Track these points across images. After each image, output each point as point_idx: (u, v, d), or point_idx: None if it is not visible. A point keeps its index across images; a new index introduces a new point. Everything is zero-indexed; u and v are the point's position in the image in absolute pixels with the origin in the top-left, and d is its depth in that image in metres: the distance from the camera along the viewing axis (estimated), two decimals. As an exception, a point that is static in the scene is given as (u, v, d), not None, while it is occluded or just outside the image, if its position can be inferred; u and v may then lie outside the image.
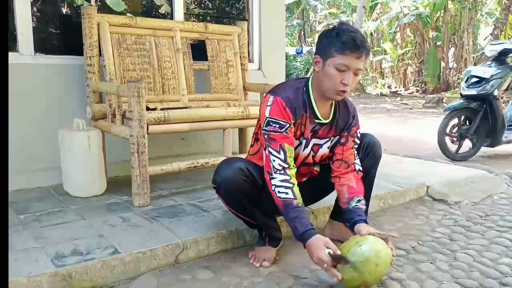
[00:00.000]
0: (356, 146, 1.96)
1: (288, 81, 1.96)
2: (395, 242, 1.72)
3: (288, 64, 16.93)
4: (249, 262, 1.93)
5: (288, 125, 1.77)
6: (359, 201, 1.84)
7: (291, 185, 1.74)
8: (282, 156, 1.75)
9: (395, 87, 17.24)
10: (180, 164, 2.52)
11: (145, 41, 2.88)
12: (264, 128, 1.78)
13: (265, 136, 1.78)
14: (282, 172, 1.75)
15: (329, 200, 2.20)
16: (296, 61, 18.06)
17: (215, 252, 2.01)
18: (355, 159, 1.94)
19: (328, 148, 1.94)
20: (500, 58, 4.36)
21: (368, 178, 2.02)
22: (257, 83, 3.35)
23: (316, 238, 1.66)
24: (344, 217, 1.87)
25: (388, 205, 2.65)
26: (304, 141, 1.88)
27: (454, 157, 4.27)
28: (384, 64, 17.96)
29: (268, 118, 1.77)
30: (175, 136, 3.23)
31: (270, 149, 1.77)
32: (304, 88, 1.83)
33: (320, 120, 1.86)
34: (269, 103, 1.78)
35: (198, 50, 3.18)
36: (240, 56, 3.33)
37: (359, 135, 1.97)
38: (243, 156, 2.15)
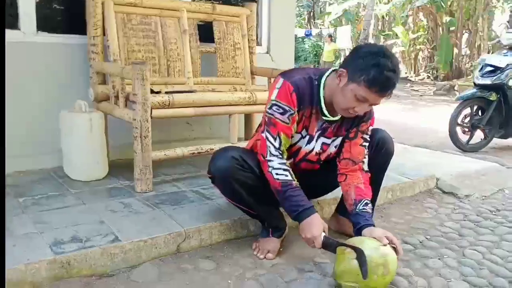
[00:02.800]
0: (366, 144, 1.85)
1: (304, 67, 1.89)
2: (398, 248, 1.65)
3: (296, 47, 16.68)
4: (252, 253, 1.89)
5: (291, 111, 1.70)
6: (366, 204, 1.76)
7: (288, 168, 1.72)
8: (277, 144, 1.72)
9: (406, 73, 16.99)
10: (184, 150, 2.47)
11: (150, 22, 2.79)
12: (267, 110, 1.73)
13: (266, 119, 1.73)
14: (280, 156, 1.72)
15: (336, 192, 2.14)
16: (305, 43, 17.82)
17: (218, 242, 1.96)
18: (364, 157, 1.84)
19: (335, 147, 1.86)
20: (516, 47, 4.22)
21: (377, 177, 1.93)
22: (265, 67, 3.26)
23: (318, 219, 1.67)
24: (350, 219, 1.81)
25: (397, 197, 2.58)
26: (307, 137, 1.80)
27: (465, 148, 4.18)
28: (395, 48, 17.64)
29: (273, 101, 1.71)
30: (180, 120, 3.15)
31: (268, 134, 1.72)
32: (316, 82, 1.74)
33: (327, 117, 1.77)
34: (278, 86, 1.71)
35: (205, 32, 3.08)
36: (248, 39, 3.23)
37: (369, 132, 1.86)
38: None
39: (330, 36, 16.25)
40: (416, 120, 6.69)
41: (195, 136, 3.26)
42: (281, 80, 1.71)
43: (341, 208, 2.09)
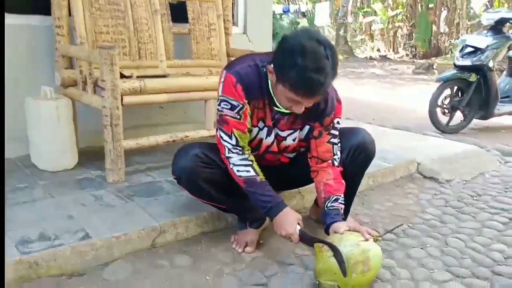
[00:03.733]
0: (334, 140, 1.70)
1: (247, 55, 1.69)
2: (373, 233, 1.57)
3: (274, 23, 16.44)
4: (231, 246, 1.82)
5: (240, 105, 1.57)
6: (336, 200, 1.65)
7: (250, 163, 1.62)
8: (233, 141, 1.62)
9: (385, 51, 16.98)
10: (157, 138, 2.35)
11: (119, 1, 2.60)
12: (217, 107, 1.62)
13: (218, 117, 1.62)
14: (239, 152, 1.62)
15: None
16: (283, 20, 17.55)
17: (195, 235, 1.89)
18: (333, 154, 1.71)
19: (294, 140, 1.73)
20: (496, 27, 4.19)
21: (355, 179, 1.83)
22: (242, 49, 3.12)
23: (290, 212, 1.59)
24: (322, 217, 1.71)
25: (378, 183, 2.54)
26: (265, 128, 1.68)
27: (445, 129, 4.17)
28: (374, 26, 17.58)
29: (220, 97, 1.59)
30: (153, 105, 3.02)
31: (221, 133, 1.62)
32: (264, 69, 1.57)
33: (279, 108, 1.62)
34: (222, 80, 1.59)
35: (178, 12, 2.92)
36: (223, 19, 3.08)
37: (336, 125, 1.70)
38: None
39: (303, 13, 16.04)
40: (395, 100, 6.68)
41: (169, 121, 3.14)
42: (224, 73, 1.59)
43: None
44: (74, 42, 2.46)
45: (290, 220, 1.57)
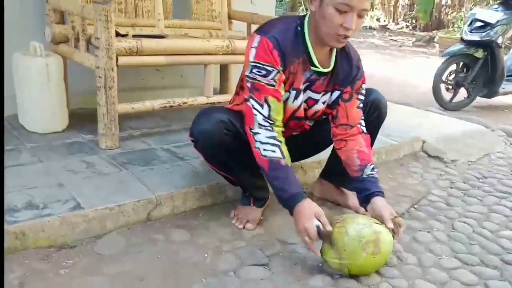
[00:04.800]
0: (361, 105, 1.66)
1: (280, 17, 1.61)
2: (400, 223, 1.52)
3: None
4: (230, 222, 1.73)
5: (275, 71, 1.46)
6: (373, 169, 1.60)
7: (278, 143, 1.48)
8: (265, 111, 1.47)
9: (384, 21, 16.63)
10: (154, 103, 2.21)
11: (116, -49, 2.41)
12: (247, 74, 1.48)
13: (248, 84, 1.49)
14: (269, 127, 1.48)
15: (320, 154, 1.98)
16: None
17: (193, 209, 1.79)
18: (361, 119, 1.66)
19: (323, 103, 1.65)
20: (507, 2, 4.03)
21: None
22: (244, 11, 2.94)
23: (307, 205, 1.43)
24: (356, 186, 1.63)
25: (382, 161, 2.45)
26: (294, 92, 1.57)
27: (447, 106, 4.07)
28: (375, -5, 17.14)
29: (252, 63, 1.46)
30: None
31: (253, 101, 1.48)
32: (299, 28, 1.50)
33: (317, 68, 1.54)
34: (255, 44, 1.46)
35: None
36: (226, -22, 2.89)
37: (363, 91, 1.66)
38: (227, 97, 1.84)
39: None
40: (395, 73, 6.53)
41: (165, 84, 2.99)
42: (257, 38, 1.46)
43: (327, 173, 1.95)
44: (66, -6, 2.27)
45: (307, 215, 1.41)
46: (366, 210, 1.61)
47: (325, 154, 1.93)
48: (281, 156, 1.46)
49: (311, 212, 1.42)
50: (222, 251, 1.55)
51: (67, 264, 1.41)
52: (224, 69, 2.98)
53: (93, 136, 2.21)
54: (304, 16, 1.53)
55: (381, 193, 1.57)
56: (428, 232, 1.77)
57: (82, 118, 2.42)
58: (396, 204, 1.98)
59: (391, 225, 1.47)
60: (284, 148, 1.50)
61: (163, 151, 2.14)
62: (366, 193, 1.58)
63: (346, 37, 1.42)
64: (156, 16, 2.57)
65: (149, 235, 1.60)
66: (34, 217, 1.48)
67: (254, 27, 2.78)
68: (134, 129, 2.41)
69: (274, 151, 1.46)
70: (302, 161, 2.06)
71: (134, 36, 2.24)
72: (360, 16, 1.39)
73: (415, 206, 1.99)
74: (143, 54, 2.08)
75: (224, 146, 1.56)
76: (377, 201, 1.54)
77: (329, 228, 1.41)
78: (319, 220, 1.41)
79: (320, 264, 1.48)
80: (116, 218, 1.61)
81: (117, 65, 2.00)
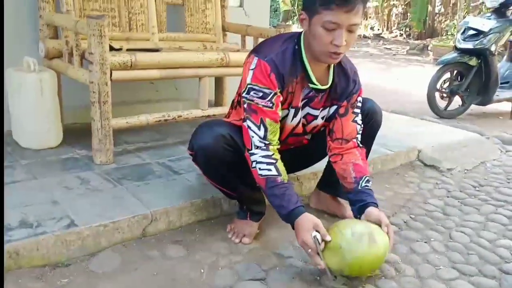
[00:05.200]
0: (357, 118, 1.66)
1: (277, 36, 1.61)
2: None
3: (270, -2, 16.00)
4: (226, 236, 1.71)
5: (272, 93, 1.46)
6: (368, 181, 1.60)
7: (273, 161, 1.49)
8: (262, 132, 1.48)
9: (378, 29, 16.78)
10: (148, 117, 2.20)
11: (109, -34, 2.42)
12: (244, 95, 1.48)
13: (245, 106, 1.49)
14: (264, 148, 1.49)
15: (316, 166, 1.98)
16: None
17: (188, 224, 1.78)
18: (357, 134, 1.66)
19: (322, 119, 1.66)
20: (500, 10, 4.06)
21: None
22: (238, 23, 2.96)
23: (305, 218, 1.44)
24: (350, 197, 1.63)
25: (378, 170, 2.45)
26: (292, 111, 1.58)
27: (442, 114, 4.08)
28: (368, 3, 17.29)
29: (249, 85, 1.46)
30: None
31: (249, 123, 1.49)
32: (296, 47, 1.51)
33: (315, 85, 1.55)
34: (252, 67, 1.47)
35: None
36: (220, -10, 2.91)
37: (359, 104, 1.66)
38: (222, 109, 1.84)
39: None
40: (390, 82, 6.56)
41: (160, 97, 2.98)
42: (255, 60, 1.46)
43: (323, 184, 1.95)
44: (59, 10, 2.28)
45: (305, 227, 1.41)
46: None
47: (321, 165, 1.93)
48: (276, 173, 1.47)
49: (309, 225, 1.42)
50: (219, 266, 1.54)
51: (62, 283, 1.39)
52: (219, 82, 2.98)
53: (87, 151, 2.20)
54: (301, 33, 1.53)
55: (375, 204, 1.57)
56: (425, 242, 1.76)
57: (76, 133, 2.41)
58: (392, 214, 1.97)
59: (386, 229, 1.47)
60: (280, 165, 1.50)
61: (158, 166, 2.13)
62: (361, 204, 1.57)
63: (338, 53, 1.42)
64: (150, 30, 2.58)
65: (145, 252, 1.58)
66: (28, 236, 1.46)
67: (248, 39, 2.80)
68: (129, 144, 2.40)
69: (270, 170, 1.47)
70: (298, 173, 2.07)
71: (128, 50, 2.25)
72: (350, 31, 1.39)
73: (412, 216, 1.98)
74: (137, 68, 2.08)
75: (224, 161, 1.56)
76: (372, 210, 1.54)
77: (328, 238, 1.41)
78: (317, 231, 1.41)
79: (318, 278, 1.47)
80: (111, 235, 1.59)
81: (111, 80, 1.99)
